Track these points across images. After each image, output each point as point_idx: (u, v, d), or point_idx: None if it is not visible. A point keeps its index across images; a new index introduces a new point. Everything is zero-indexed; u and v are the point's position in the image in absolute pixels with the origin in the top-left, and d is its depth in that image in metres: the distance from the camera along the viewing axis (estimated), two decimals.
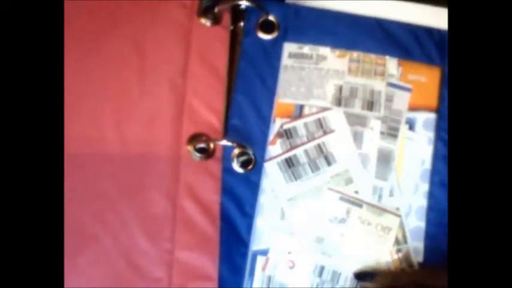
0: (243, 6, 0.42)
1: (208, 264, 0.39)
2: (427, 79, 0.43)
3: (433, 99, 0.43)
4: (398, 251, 0.42)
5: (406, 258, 0.42)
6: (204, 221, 0.39)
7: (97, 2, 0.40)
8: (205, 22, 0.41)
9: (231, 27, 0.42)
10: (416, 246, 0.42)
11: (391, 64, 0.43)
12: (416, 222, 0.42)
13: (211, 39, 0.41)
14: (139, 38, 0.40)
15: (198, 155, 0.40)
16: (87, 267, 0.37)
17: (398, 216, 0.42)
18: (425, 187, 0.42)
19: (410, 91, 0.43)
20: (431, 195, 0.42)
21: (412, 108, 0.43)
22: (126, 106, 0.39)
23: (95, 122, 0.39)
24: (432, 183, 0.42)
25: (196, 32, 0.41)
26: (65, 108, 0.37)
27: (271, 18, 0.42)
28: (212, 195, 0.39)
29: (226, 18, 0.42)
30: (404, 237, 0.42)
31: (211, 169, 0.39)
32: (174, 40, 0.41)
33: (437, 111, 0.43)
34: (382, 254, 0.41)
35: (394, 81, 0.43)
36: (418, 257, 0.42)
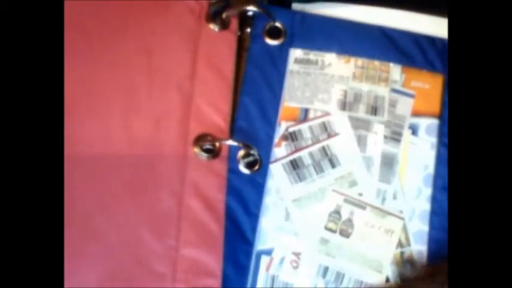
0: (250, 13, 0.43)
1: (212, 261, 0.39)
2: (430, 86, 0.44)
3: (435, 105, 0.44)
4: (402, 253, 0.42)
5: (410, 261, 0.43)
6: (209, 219, 0.40)
7: (108, 6, 0.41)
8: (214, 27, 0.43)
9: (239, 33, 0.44)
10: (420, 249, 0.43)
11: (395, 71, 0.44)
12: (419, 226, 0.43)
13: (219, 44, 0.43)
14: (148, 42, 0.42)
15: (204, 154, 0.41)
16: (93, 261, 0.38)
17: (402, 219, 0.43)
18: (428, 191, 0.43)
19: (413, 97, 0.44)
20: (435, 200, 0.43)
21: (415, 114, 0.44)
22: (134, 107, 0.41)
23: (103, 123, 0.40)
24: (435, 187, 0.43)
25: (204, 36, 0.43)
26: (74, 109, 0.39)
27: (278, 24, 0.44)
28: (217, 194, 0.40)
29: (234, 23, 0.43)
30: (407, 240, 0.43)
31: (217, 168, 0.41)
32: (183, 44, 0.42)
33: (440, 117, 0.44)
34: (386, 256, 0.42)
35: (397, 87, 0.44)
36: (421, 260, 0.43)
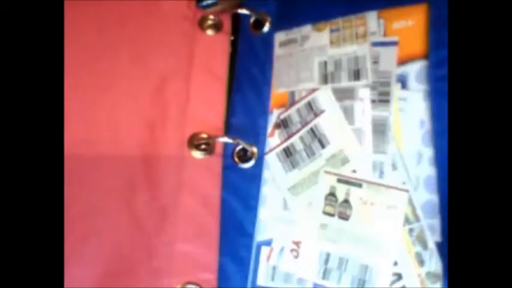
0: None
1: (208, 256, 0.40)
2: (413, 22, 0.37)
3: (422, 44, 0.37)
4: (411, 230, 0.37)
5: (421, 238, 0.36)
6: (204, 214, 0.41)
7: (104, 14, 0.45)
8: (207, 31, 0.45)
9: (232, 37, 0.45)
10: (431, 223, 0.36)
11: (371, 20, 0.39)
12: (427, 196, 0.36)
13: (213, 47, 0.44)
14: (144, 47, 0.45)
15: (199, 152, 0.43)
16: (91, 258, 0.41)
17: (406, 191, 0.37)
18: (429, 152, 0.36)
19: (396, 44, 0.38)
20: (438, 162, 0.36)
21: (402, 61, 0.38)
22: (132, 111, 0.44)
23: (102, 125, 0.43)
24: (437, 148, 0.36)
25: (198, 40, 0.45)
26: (73, 112, 0.42)
27: (260, 16, 0.44)
28: (213, 191, 0.42)
29: (227, 25, 0.45)
30: (415, 215, 0.37)
31: (212, 165, 0.42)
32: (178, 49, 0.45)
33: (428, 57, 0.36)
34: (391, 236, 0.37)
35: (377, 39, 0.39)
36: (434, 236, 0.36)
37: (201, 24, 0.45)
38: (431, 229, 0.36)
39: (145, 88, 0.44)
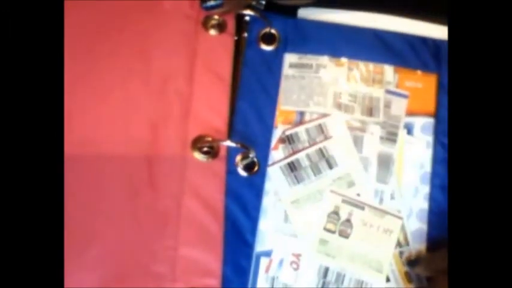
0: (247, 17, 0.44)
1: (212, 261, 0.40)
2: (423, 85, 0.45)
3: (430, 104, 0.45)
4: (401, 253, 0.43)
5: (409, 261, 0.43)
6: (208, 218, 0.41)
7: (106, 13, 0.43)
8: (210, 31, 0.44)
9: (236, 38, 0.45)
10: (419, 248, 0.43)
11: (388, 72, 0.45)
12: (418, 225, 0.43)
13: (216, 47, 0.44)
14: (146, 48, 0.43)
15: (203, 155, 0.42)
16: (92, 263, 0.39)
17: (400, 218, 0.43)
18: (425, 190, 0.44)
19: (407, 97, 0.45)
20: (432, 199, 0.43)
21: (410, 113, 0.45)
22: (133, 110, 0.42)
23: (101, 125, 0.41)
24: (432, 186, 0.44)
25: (201, 40, 0.44)
26: (74, 112, 0.40)
27: (272, 30, 0.45)
28: (216, 194, 0.41)
29: (231, 26, 0.45)
30: (406, 239, 0.43)
31: (215, 169, 0.42)
32: (180, 49, 0.44)
33: (435, 116, 0.44)
34: (385, 256, 0.42)
35: (391, 88, 0.45)
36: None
37: (205, 23, 0.45)
38: (418, 253, 0.43)
39: (147, 88, 0.42)
